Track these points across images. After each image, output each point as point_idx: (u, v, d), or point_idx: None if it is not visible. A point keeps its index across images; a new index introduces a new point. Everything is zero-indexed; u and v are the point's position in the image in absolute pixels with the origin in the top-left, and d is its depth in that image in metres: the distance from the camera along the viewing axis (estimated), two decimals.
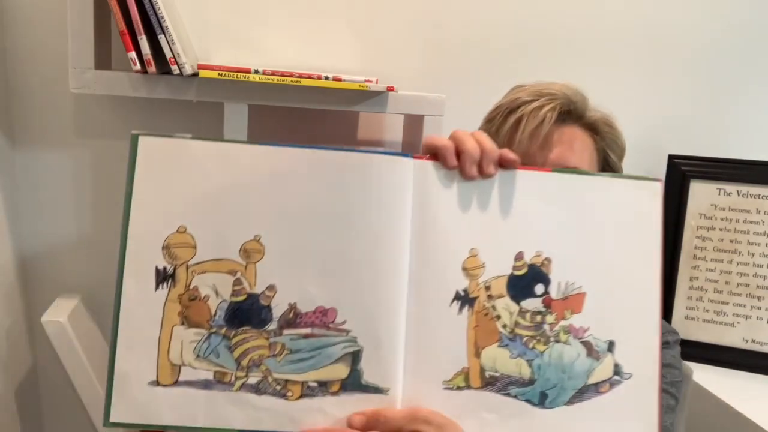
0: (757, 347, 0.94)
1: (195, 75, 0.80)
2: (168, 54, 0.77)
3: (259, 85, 0.82)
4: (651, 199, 0.55)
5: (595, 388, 0.53)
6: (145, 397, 0.47)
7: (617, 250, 0.55)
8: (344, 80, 0.82)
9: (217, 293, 0.49)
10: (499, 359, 0.52)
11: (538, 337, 0.53)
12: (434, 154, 0.54)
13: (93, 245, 0.98)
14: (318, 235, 0.51)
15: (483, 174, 0.53)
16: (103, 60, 0.84)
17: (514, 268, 0.53)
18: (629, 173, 0.56)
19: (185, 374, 0.48)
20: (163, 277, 0.49)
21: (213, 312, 0.49)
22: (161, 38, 0.74)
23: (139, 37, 0.74)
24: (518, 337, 0.53)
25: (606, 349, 0.54)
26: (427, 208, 0.52)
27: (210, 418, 0.48)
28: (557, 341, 0.53)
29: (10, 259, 0.93)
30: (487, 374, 0.52)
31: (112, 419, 0.47)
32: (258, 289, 0.50)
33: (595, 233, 0.54)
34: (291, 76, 0.80)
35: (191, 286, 0.49)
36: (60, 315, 0.81)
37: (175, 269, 0.49)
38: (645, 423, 0.53)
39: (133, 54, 0.76)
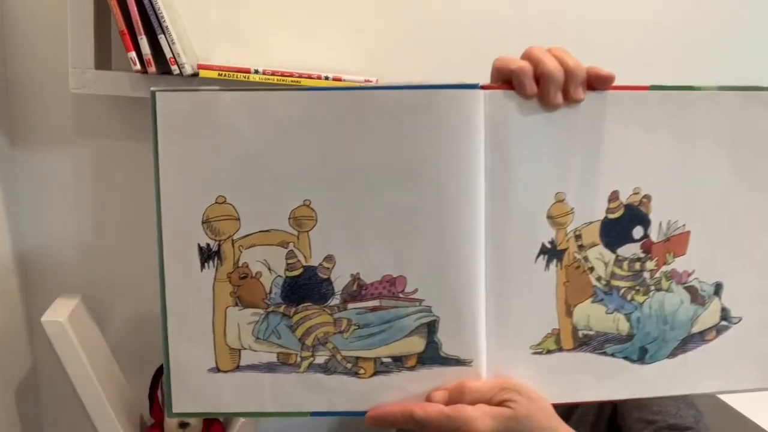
0: None
1: (195, 75, 0.79)
2: (168, 54, 0.76)
3: (259, 85, 0.81)
4: None
5: (700, 337, 0.47)
6: (207, 385, 0.43)
7: (730, 178, 0.46)
8: (344, 80, 0.80)
9: (269, 269, 0.43)
10: (594, 316, 0.46)
11: (637, 287, 0.46)
12: (507, 80, 0.44)
13: (93, 245, 0.97)
14: (376, 194, 0.43)
15: (569, 100, 0.44)
16: (103, 60, 0.84)
17: (608, 210, 0.46)
18: (741, 85, 0.47)
19: (246, 358, 0.43)
20: (207, 255, 0.42)
21: (268, 289, 0.43)
22: (161, 38, 0.74)
23: (139, 37, 0.74)
24: (615, 290, 0.46)
25: (712, 293, 0.47)
26: (503, 149, 0.44)
27: (278, 402, 0.44)
28: (658, 289, 0.47)
29: (10, 259, 0.92)
30: (580, 333, 0.46)
31: (175, 410, 0.43)
32: (314, 261, 0.43)
33: (704, 160, 0.46)
34: (291, 76, 0.79)
35: (240, 263, 0.43)
36: (60, 315, 0.80)
37: (219, 245, 0.42)
38: (759, 368, 0.48)
39: (133, 54, 0.75)
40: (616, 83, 0.45)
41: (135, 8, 0.73)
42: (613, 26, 1.04)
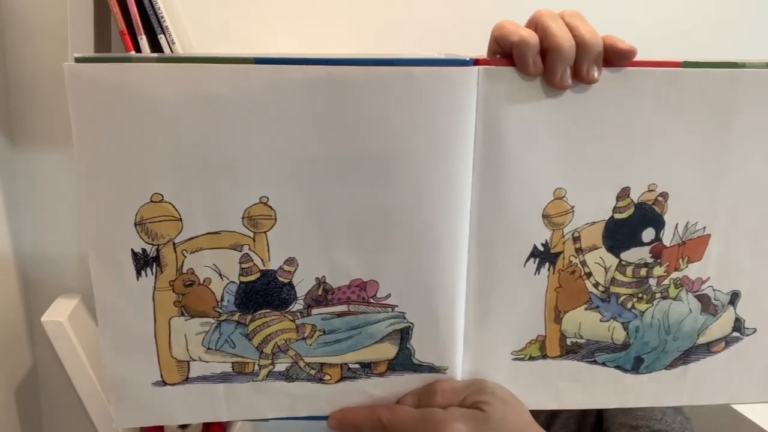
0: None
1: None
2: (168, 52, 0.70)
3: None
4: None
5: (705, 348, 0.43)
6: (152, 399, 0.39)
7: (762, 171, 0.39)
8: None
9: (221, 274, 0.38)
10: (587, 323, 0.41)
11: (640, 295, 0.41)
12: (508, 53, 0.36)
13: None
14: (345, 190, 0.36)
15: (582, 80, 0.36)
16: None
17: (616, 210, 0.39)
18: None
19: (196, 369, 0.39)
20: (144, 261, 0.37)
21: (219, 297, 0.38)
22: (161, 38, 0.71)
23: (139, 37, 0.70)
24: (613, 297, 0.41)
25: (727, 302, 0.42)
26: (497, 138, 0.36)
27: (235, 411, 0.41)
28: (664, 297, 0.41)
29: (10, 259, 0.90)
30: (568, 341, 0.41)
31: (118, 424, 0.39)
32: (273, 265, 0.38)
33: (741, 154, 0.38)
34: None
35: (184, 270, 0.37)
36: (60, 315, 0.77)
37: (158, 250, 0.36)
38: (766, 384, 0.43)
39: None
40: (642, 57, 0.36)
41: (135, 8, 0.69)
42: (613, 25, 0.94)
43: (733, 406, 0.73)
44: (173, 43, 0.68)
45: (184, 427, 0.85)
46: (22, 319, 0.95)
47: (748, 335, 0.43)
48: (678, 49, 0.98)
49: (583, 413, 0.62)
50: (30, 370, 0.98)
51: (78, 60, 0.33)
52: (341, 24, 0.92)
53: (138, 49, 0.66)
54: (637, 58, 0.36)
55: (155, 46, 0.69)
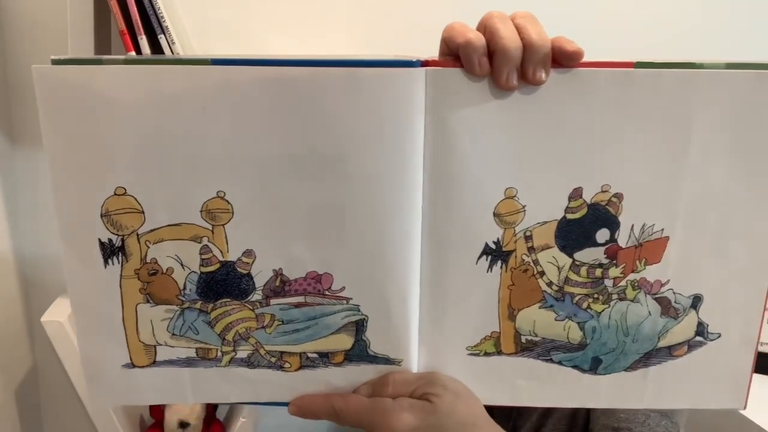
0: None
1: None
2: (168, 54, 0.73)
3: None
4: None
5: (667, 351, 0.42)
6: (123, 380, 0.42)
7: (728, 177, 0.38)
8: None
9: (182, 264, 0.40)
10: (541, 322, 0.41)
11: (595, 295, 0.41)
12: (457, 54, 0.36)
13: None
14: (300, 184, 0.38)
15: (528, 81, 0.36)
16: None
17: (568, 210, 0.39)
18: (757, 61, 0.36)
19: (163, 354, 0.42)
20: (111, 251, 0.39)
21: (182, 285, 0.40)
22: (161, 38, 0.72)
23: (139, 37, 0.72)
24: (568, 296, 0.41)
25: (688, 306, 0.41)
26: (446, 138, 0.37)
27: (200, 394, 0.43)
28: (622, 299, 0.41)
29: (10, 259, 0.91)
30: (523, 339, 0.42)
31: (90, 403, 0.43)
32: (232, 256, 0.40)
33: (698, 155, 0.38)
34: None
35: (148, 259, 0.40)
36: (60, 315, 0.78)
37: (123, 241, 0.39)
38: (732, 388, 0.42)
39: (133, 54, 0.72)
40: (599, 58, 0.36)
41: (135, 8, 0.71)
42: (613, 25, 0.94)
43: None
44: (173, 43, 0.70)
45: (183, 426, 0.87)
46: (22, 319, 0.96)
47: (712, 340, 0.42)
48: (678, 49, 0.96)
49: (574, 414, 0.62)
50: (30, 370, 0.99)
51: (54, 62, 0.36)
52: (341, 24, 0.92)
53: (138, 49, 0.69)
54: (598, 59, 0.36)
55: (155, 46, 0.71)
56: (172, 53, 0.71)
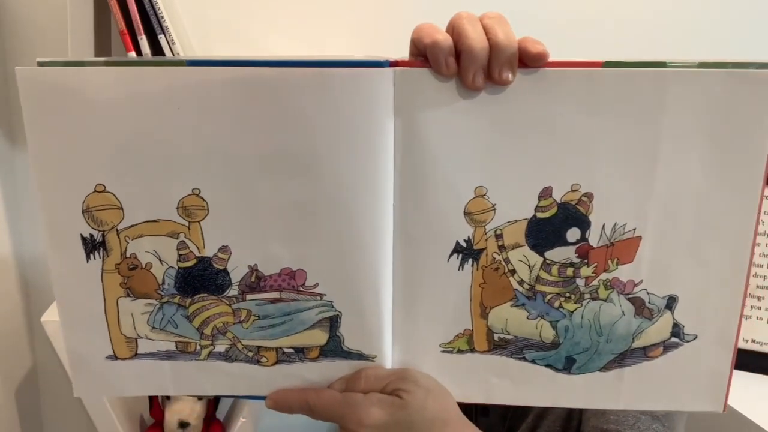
0: (756, 347, 0.84)
1: None
2: (168, 54, 0.73)
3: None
4: (763, 97, 0.36)
5: (642, 352, 0.42)
6: (106, 371, 0.43)
7: (701, 176, 0.38)
8: None
9: (160, 259, 0.41)
10: (513, 320, 0.41)
11: (567, 295, 0.41)
12: (424, 55, 0.37)
13: None
14: (272, 182, 0.39)
15: (495, 81, 0.36)
16: None
17: (538, 209, 0.39)
18: (729, 59, 0.36)
19: (144, 346, 0.43)
20: (92, 245, 0.41)
21: (161, 280, 0.42)
22: (161, 38, 0.73)
23: (139, 37, 0.72)
24: (540, 295, 0.41)
25: (663, 306, 0.41)
26: (415, 138, 0.38)
27: (180, 386, 0.44)
28: (594, 298, 0.41)
29: (10, 259, 0.91)
30: (495, 337, 0.42)
31: (76, 393, 0.44)
32: (208, 252, 0.41)
33: (670, 154, 0.37)
34: None
35: (127, 254, 0.41)
36: None
37: (104, 236, 0.40)
38: (710, 393, 0.42)
39: (133, 54, 0.73)
40: (572, 58, 0.36)
41: (135, 8, 0.72)
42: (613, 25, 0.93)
43: (733, 407, 0.70)
44: (173, 43, 0.71)
45: (183, 426, 0.88)
46: (22, 319, 0.96)
47: (688, 341, 0.41)
48: (679, 49, 0.94)
49: (569, 415, 0.61)
50: (30, 370, 0.99)
51: (40, 64, 0.38)
52: (342, 24, 0.92)
53: (138, 50, 0.71)
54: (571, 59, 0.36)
55: (155, 46, 0.72)
56: (172, 53, 0.72)
